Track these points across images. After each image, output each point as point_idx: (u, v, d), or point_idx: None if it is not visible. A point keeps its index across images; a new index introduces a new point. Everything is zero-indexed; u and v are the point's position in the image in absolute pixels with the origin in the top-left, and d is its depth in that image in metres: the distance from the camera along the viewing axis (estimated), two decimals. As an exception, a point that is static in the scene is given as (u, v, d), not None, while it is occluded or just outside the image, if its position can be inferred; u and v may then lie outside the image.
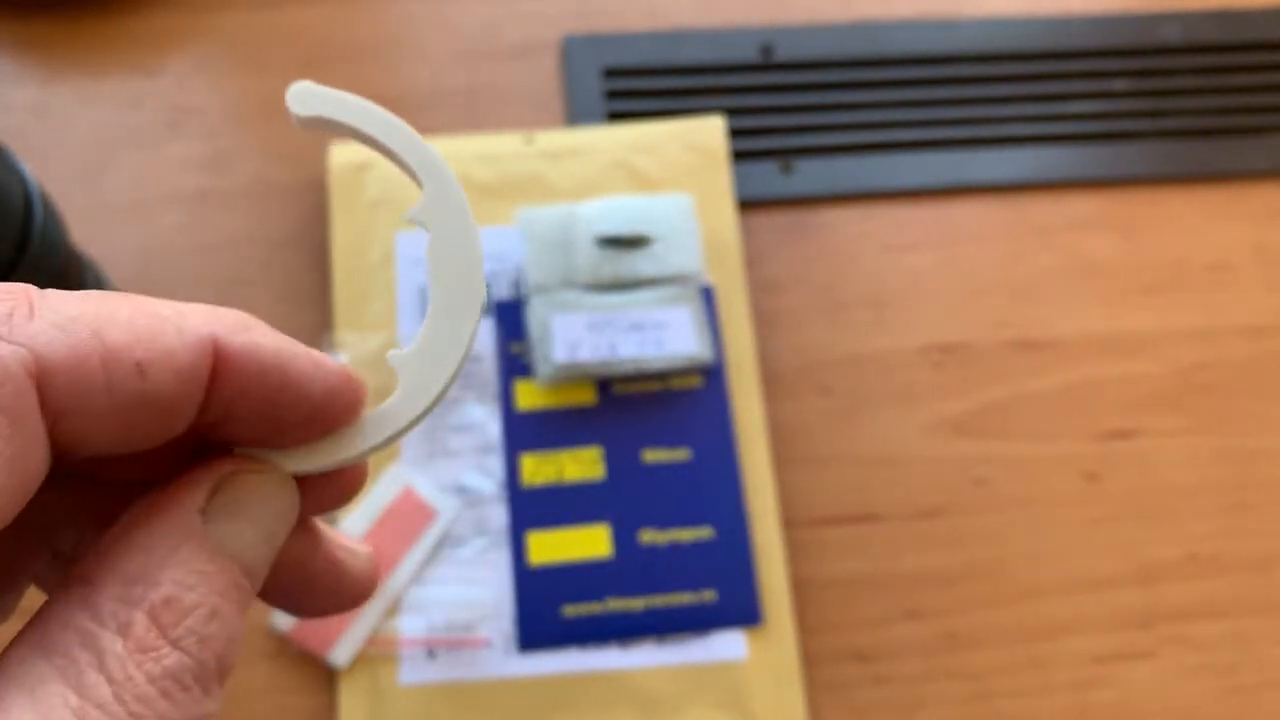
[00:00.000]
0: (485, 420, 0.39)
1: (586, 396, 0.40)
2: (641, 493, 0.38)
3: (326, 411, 0.16)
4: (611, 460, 0.38)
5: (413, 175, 0.17)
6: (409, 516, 0.38)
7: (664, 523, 0.38)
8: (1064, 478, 0.41)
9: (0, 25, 0.46)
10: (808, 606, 0.39)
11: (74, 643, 0.13)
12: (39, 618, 0.14)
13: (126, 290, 0.41)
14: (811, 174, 0.46)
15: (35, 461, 0.13)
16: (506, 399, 0.39)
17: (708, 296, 0.41)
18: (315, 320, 0.42)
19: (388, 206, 0.42)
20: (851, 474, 0.41)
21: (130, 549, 0.14)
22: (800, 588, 0.39)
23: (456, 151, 0.43)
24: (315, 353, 0.16)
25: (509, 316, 0.41)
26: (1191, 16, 0.50)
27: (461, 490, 0.38)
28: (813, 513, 0.40)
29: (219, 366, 0.15)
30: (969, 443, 0.42)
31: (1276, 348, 0.44)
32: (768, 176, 0.45)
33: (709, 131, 0.45)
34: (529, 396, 0.39)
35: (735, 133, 0.45)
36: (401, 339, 0.40)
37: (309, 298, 0.42)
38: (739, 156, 0.45)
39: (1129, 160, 0.47)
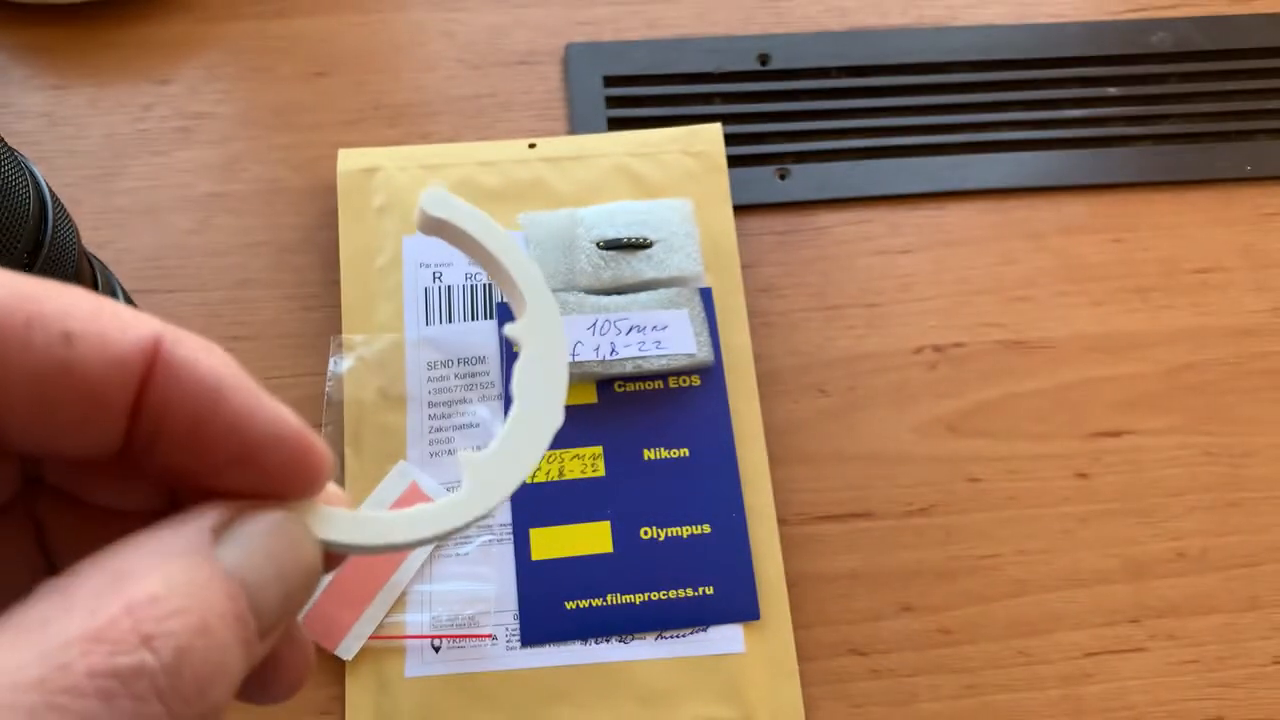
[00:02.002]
0: (489, 419, 0.40)
1: (587, 396, 0.40)
2: (641, 490, 0.39)
3: (266, 457, 0.14)
4: (612, 458, 0.39)
5: (517, 295, 0.18)
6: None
7: (663, 519, 0.39)
8: (1055, 476, 0.42)
9: (14, 33, 0.47)
10: (804, 601, 0.40)
11: (33, 621, 0.12)
12: (10, 603, 0.12)
13: (136, 291, 0.42)
14: (807, 179, 0.47)
15: None
16: (509, 399, 0.40)
17: (706, 298, 0.42)
18: (323, 322, 0.43)
19: (395, 211, 0.43)
20: (847, 472, 0.42)
21: (127, 549, 0.13)
22: (796, 583, 0.40)
23: (461, 157, 0.44)
24: (272, 400, 0.14)
25: (512, 318, 0.41)
26: (1181, 24, 0.51)
27: (466, 487, 0.39)
28: (809, 510, 0.41)
29: (154, 370, 0.14)
30: (962, 442, 0.42)
31: (1265, 349, 0.45)
32: (764, 181, 0.46)
33: (707, 138, 0.45)
34: (531, 396, 0.40)
35: (733, 139, 0.46)
36: (408, 341, 0.41)
37: (317, 300, 0.43)
38: (736, 162, 0.46)
39: (1120, 165, 0.48)
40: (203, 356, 0.14)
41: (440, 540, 0.16)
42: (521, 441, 0.17)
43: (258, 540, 0.14)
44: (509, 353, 0.41)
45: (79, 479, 0.16)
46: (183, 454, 0.14)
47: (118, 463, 0.15)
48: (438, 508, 0.16)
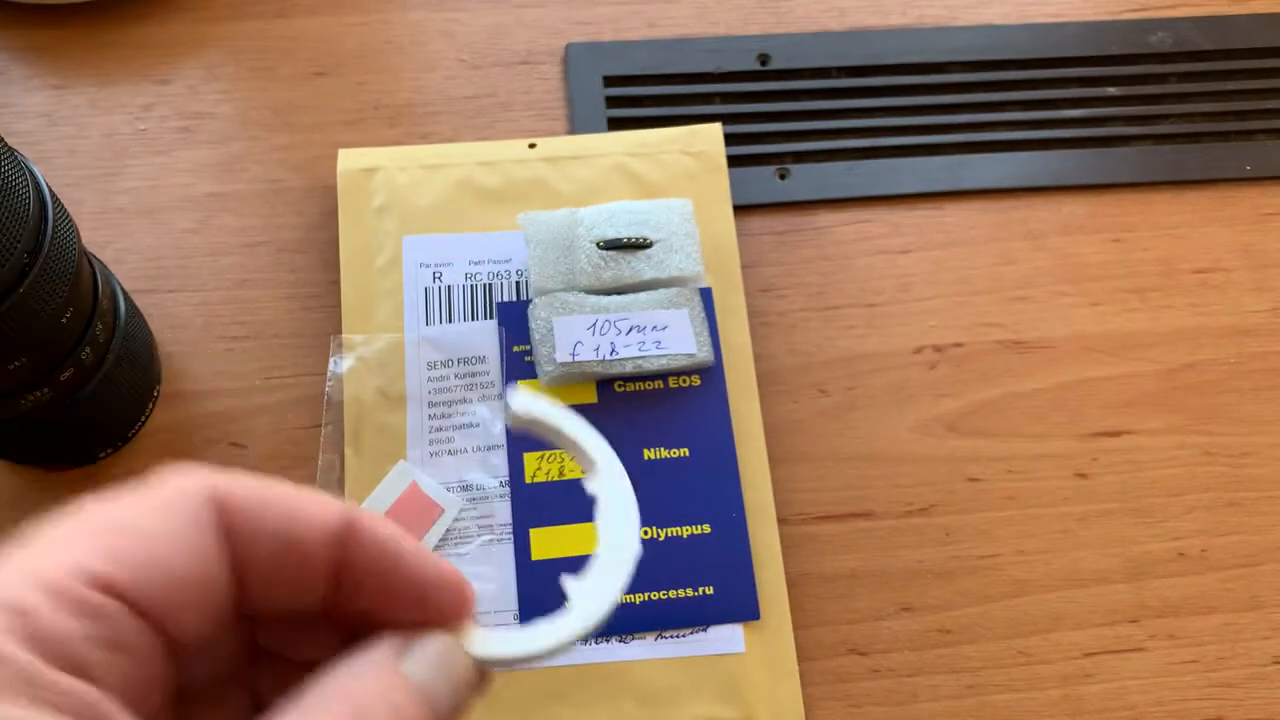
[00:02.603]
0: (489, 419, 0.40)
1: (587, 396, 0.40)
2: (641, 490, 0.39)
3: (437, 595, 0.18)
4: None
5: (588, 460, 0.22)
6: (415, 512, 0.39)
7: (663, 519, 0.39)
8: (1055, 476, 0.42)
9: (14, 32, 0.47)
10: (804, 601, 0.40)
11: None
12: None
13: (136, 290, 0.42)
14: (807, 179, 0.47)
15: (206, 562, 0.16)
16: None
17: (706, 298, 0.42)
18: (323, 322, 0.43)
19: (395, 211, 0.43)
20: (846, 472, 0.42)
21: (328, 677, 0.16)
22: (796, 583, 0.40)
23: (461, 157, 0.44)
24: (431, 552, 0.19)
25: (512, 318, 0.41)
26: (1181, 24, 0.51)
27: (466, 487, 0.39)
28: (808, 510, 0.41)
29: (349, 537, 0.18)
30: (962, 441, 0.42)
31: (1264, 348, 0.45)
32: (764, 181, 0.46)
33: (707, 138, 0.45)
34: (531, 396, 0.40)
35: (733, 139, 0.46)
36: (408, 341, 0.41)
37: (317, 300, 0.43)
38: (736, 162, 0.46)
39: (1119, 165, 0.48)
40: (380, 526, 0.18)
41: (558, 652, 0.20)
42: (611, 569, 0.21)
43: (432, 658, 0.18)
44: (509, 353, 0.41)
45: (286, 635, 0.19)
46: (371, 599, 0.18)
47: (319, 615, 0.18)
48: (553, 627, 0.20)
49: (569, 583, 0.21)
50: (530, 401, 0.22)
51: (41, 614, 0.14)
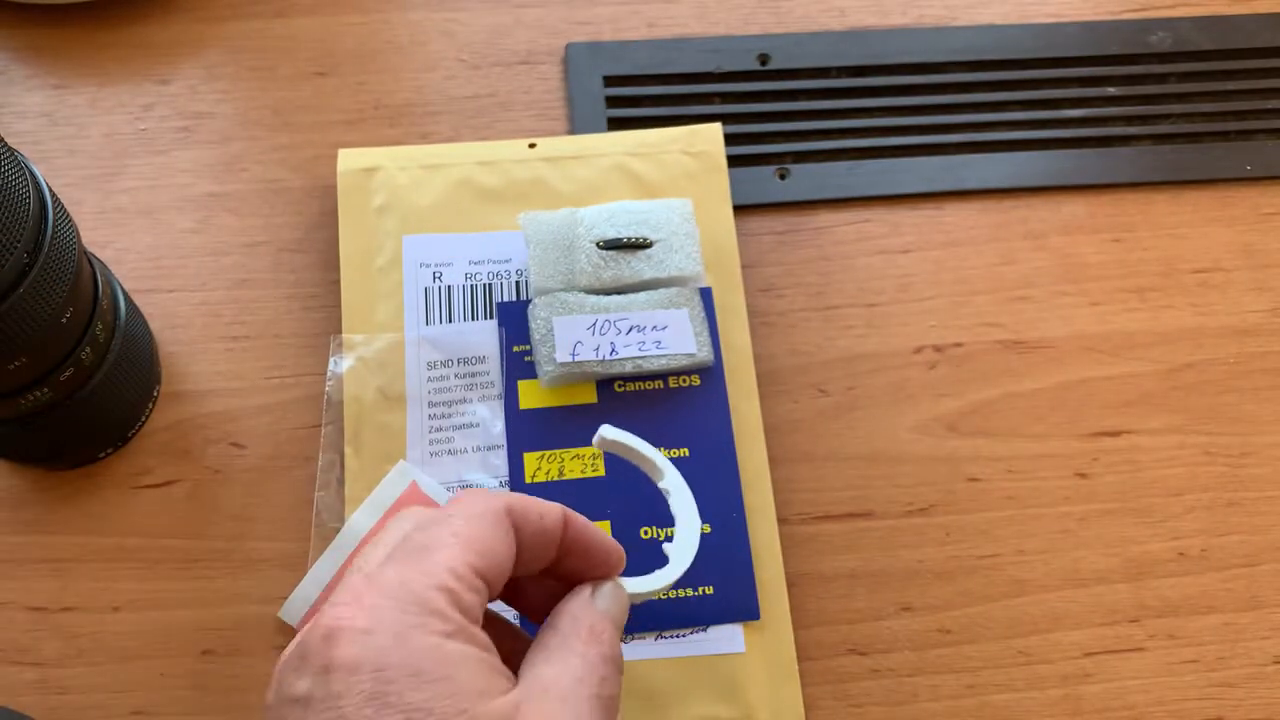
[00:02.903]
0: (489, 419, 0.40)
1: (587, 396, 0.40)
2: (641, 490, 0.39)
3: (610, 559, 0.29)
4: (611, 458, 0.39)
5: (658, 471, 0.33)
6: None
7: (664, 519, 0.39)
8: (1055, 476, 0.42)
9: (14, 32, 0.47)
10: (804, 601, 0.40)
11: (553, 649, 0.27)
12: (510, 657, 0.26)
13: (136, 290, 0.42)
14: (807, 178, 0.47)
15: (510, 549, 0.27)
16: (510, 398, 0.40)
17: (706, 298, 0.42)
18: (323, 322, 0.43)
19: (395, 211, 0.43)
20: (846, 471, 0.42)
21: (561, 605, 0.28)
22: (796, 583, 0.40)
23: (461, 157, 0.44)
24: (606, 535, 0.29)
25: (513, 318, 0.41)
26: (1181, 24, 0.51)
27: (466, 487, 0.39)
28: (808, 509, 0.41)
29: (567, 525, 0.28)
30: (961, 441, 0.42)
31: (1264, 348, 0.45)
32: (764, 181, 0.46)
33: (707, 138, 0.45)
34: (532, 396, 0.40)
35: (733, 139, 0.46)
36: (408, 340, 0.41)
37: (317, 300, 0.43)
38: (736, 162, 0.46)
39: (1119, 165, 0.48)
40: (578, 516, 0.28)
41: (664, 591, 0.31)
42: (687, 542, 0.32)
43: (611, 597, 0.28)
44: (509, 353, 0.41)
45: (516, 591, 0.31)
46: (576, 561, 0.29)
47: (545, 572, 0.29)
48: (662, 574, 0.31)
49: (666, 547, 0.31)
50: (615, 431, 0.33)
51: (459, 592, 0.25)
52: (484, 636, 0.25)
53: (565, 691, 0.25)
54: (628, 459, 0.33)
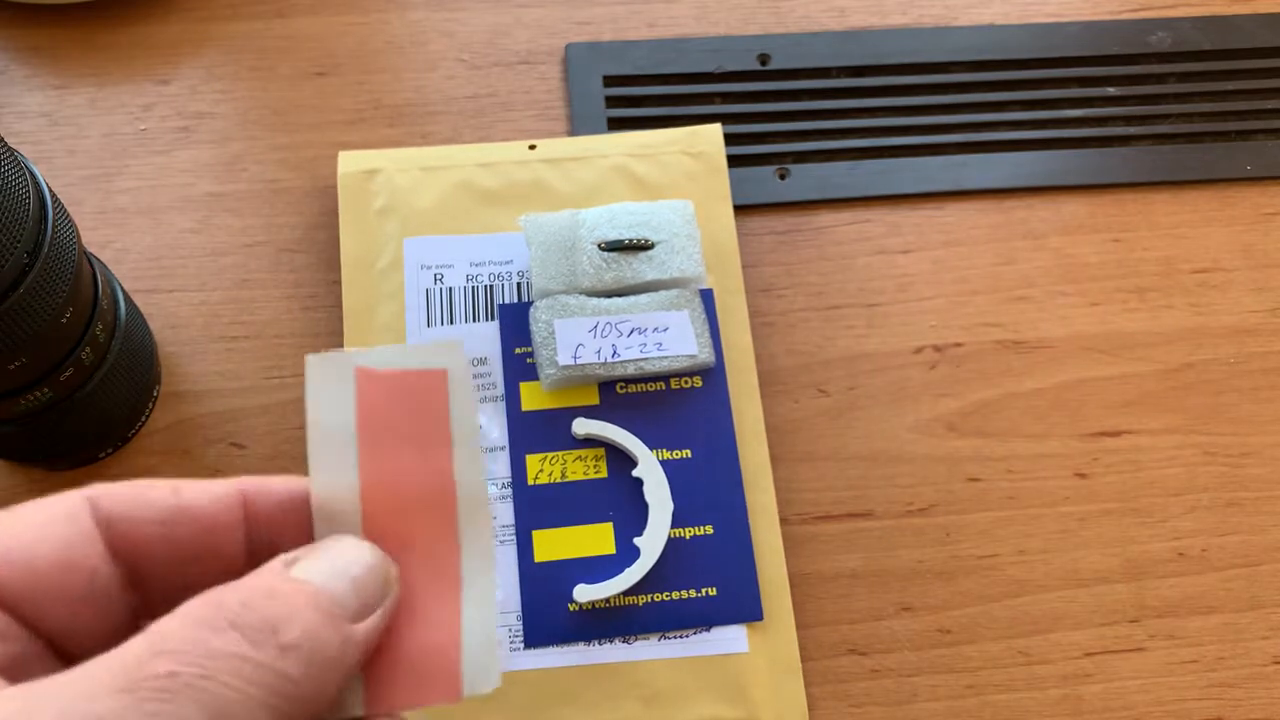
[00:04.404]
0: (491, 421, 0.40)
1: (589, 398, 0.40)
2: (643, 491, 0.39)
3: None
4: (614, 460, 0.39)
5: (634, 456, 0.36)
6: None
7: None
8: (1054, 476, 0.42)
9: (14, 33, 0.47)
10: (805, 601, 0.40)
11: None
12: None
13: (136, 290, 0.42)
14: (807, 179, 0.47)
15: (88, 551, 0.18)
16: (512, 401, 0.40)
17: (707, 299, 0.42)
18: (323, 322, 0.43)
19: (395, 213, 0.43)
20: (847, 471, 0.42)
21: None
22: (796, 583, 0.40)
23: (461, 159, 0.44)
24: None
25: (514, 321, 0.41)
26: (1181, 24, 0.51)
27: (467, 488, 0.39)
28: (808, 510, 0.41)
29: (249, 502, 0.19)
30: (962, 441, 0.43)
31: (1264, 349, 0.45)
32: (764, 181, 0.46)
33: (707, 138, 0.45)
34: (533, 398, 0.40)
35: (733, 139, 0.46)
36: (409, 343, 0.41)
37: (318, 301, 0.43)
38: (736, 162, 0.46)
39: (1119, 165, 0.48)
40: (273, 482, 0.20)
41: (631, 586, 0.34)
42: (661, 521, 0.34)
43: (320, 552, 0.19)
44: (510, 355, 0.41)
45: None
46: (295, 543, 0.19)
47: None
48: (634, 569, 0.34)
49: (638, 540, 0.34)
50: (594, 423, 0.36)
51: None
52: None
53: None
54: (608, 444, 0.36)
